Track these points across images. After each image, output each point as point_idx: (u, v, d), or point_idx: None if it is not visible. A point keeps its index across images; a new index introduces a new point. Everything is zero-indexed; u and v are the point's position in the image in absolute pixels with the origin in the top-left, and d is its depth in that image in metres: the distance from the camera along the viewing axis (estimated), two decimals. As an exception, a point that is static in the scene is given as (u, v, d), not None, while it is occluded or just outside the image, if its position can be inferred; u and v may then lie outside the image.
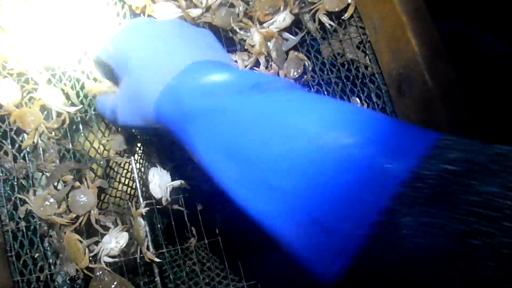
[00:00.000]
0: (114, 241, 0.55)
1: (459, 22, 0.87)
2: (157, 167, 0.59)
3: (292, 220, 0.33)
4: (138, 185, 0.58)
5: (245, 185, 0.35)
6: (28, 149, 0.58)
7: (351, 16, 0.67)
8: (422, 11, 0.61)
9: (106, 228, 0.57)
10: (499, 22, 0.86)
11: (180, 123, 0.40)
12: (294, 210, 0.32)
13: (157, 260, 0.57)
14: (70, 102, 0.59)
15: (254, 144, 0.35)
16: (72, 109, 0.58)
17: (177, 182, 0.58)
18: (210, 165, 0.38)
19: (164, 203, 0.58)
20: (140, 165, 0.61)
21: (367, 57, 0.66)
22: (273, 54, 0.63)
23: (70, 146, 0.59)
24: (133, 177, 0.59)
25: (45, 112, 0.58)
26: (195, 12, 0.62)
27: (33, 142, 0.57)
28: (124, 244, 0.56)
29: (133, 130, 0.59)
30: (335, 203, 0.31)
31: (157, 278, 0.58)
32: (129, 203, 0.58)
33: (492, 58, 0.86)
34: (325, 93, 0.66)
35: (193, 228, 0.61)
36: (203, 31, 0.51)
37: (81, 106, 0.59)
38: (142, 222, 0.57)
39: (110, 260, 0.56)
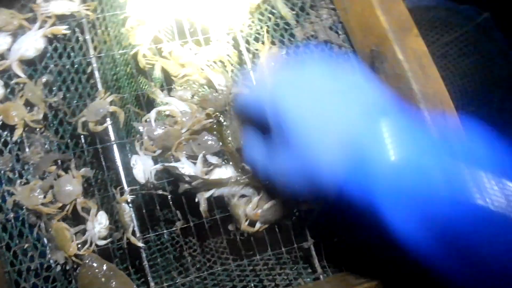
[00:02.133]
0: (97, 224, 0.57)
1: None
2: (138, 153, 0.60)
3: None
4: (121, 171, 0.60)
5: None
6: (14, 143, 0.59)
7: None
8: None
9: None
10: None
11: None
12: None
13: (141, 245, 0.58)
14: (53, 94, 0.61)
15: None
16: (54, 99, 0.60)
17: (159, 166, 0.59)
18: None
19: (149, 187, 0.60)
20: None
21: (340, 37, 0.67)
22: None
23: (54, 138, 0.61)
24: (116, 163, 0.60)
25: (28, 108, 0.60)
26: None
27: (23, 132, 0.59)
28: (107, 222, 0.57)
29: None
30: None
31: (145, 263, 0.59)
32: (114, 190, 0.59)
33: (473, 29, 0.88)
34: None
35: (178, 212, 0.62)
36: None
37: (62, 95, 0.60)
38: (126, 208, 0.59)
39: (104, 242, 0.57)
